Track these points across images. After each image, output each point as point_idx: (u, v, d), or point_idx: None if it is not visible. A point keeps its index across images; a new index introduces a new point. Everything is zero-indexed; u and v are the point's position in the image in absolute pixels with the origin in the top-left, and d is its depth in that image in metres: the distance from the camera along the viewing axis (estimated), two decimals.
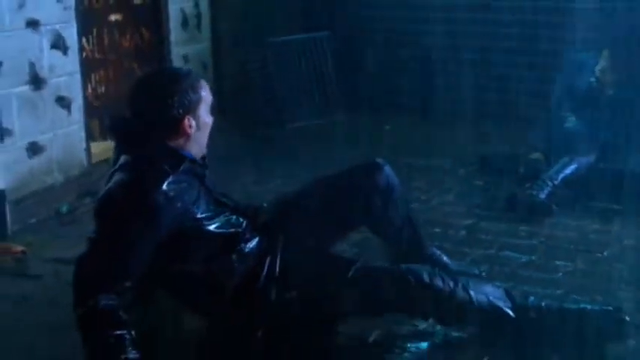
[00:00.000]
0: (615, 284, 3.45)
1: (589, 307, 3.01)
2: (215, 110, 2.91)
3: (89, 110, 4.84)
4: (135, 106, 2.82)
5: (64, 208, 4.45)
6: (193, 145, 2.84)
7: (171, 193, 2.67)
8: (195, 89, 2.80)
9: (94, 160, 4.85)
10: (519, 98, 5.95)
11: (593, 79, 4.92)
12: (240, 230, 2.93)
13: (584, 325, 2.89)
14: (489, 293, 2.94)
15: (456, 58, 6.23)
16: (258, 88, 6.14)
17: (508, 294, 2.98)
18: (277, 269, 2.93)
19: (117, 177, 2.73)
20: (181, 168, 2.74)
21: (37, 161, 4.41)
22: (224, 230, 2.87)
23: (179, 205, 2.70)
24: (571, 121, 4.82)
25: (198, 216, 2.80)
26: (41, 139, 4.43)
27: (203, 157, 2.92)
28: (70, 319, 2.94)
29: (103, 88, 5.07)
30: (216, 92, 3.49)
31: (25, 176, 4.33)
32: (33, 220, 4.28)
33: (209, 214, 2.84)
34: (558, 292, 3.38)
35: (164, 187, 2.66)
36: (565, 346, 2.87)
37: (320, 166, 4.32)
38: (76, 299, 2.63)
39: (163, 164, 2.71)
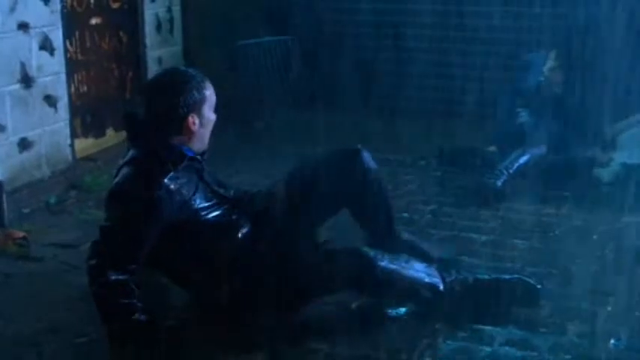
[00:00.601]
0: (566, 258, 3.77)
1: (504, 277, 3.26)
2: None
3: (72, 109, 5.02)
4: (146, 104, 3.09)
5: (53, 200, 4.65)
6: (197, 140, 3.11)
7: (172, 187, 2.93)
8: (200, 89, 3.07)
9: (77, 156, 5.07)
10: (472, 96, 6.19)
11: (542, 78, 5.21)
12: (234, 218, 3.18)
13: (499, 293, 3.17)
14: (424, 270, 3.17)
15: (413, 59, 6.47)
16: (228, 88, 6.36)
17: (439, 272, 3.20)
18: (262, 251, 3.15)
19: (124, 171, 2.99)
20: (182, 165, 2.98)
21: (26, 156, 4.61)
22: (220, 219, 3.12)
23: (178, 198, 2.96)
24: (523, 117, 5.09)
25: (196, 207, 3.06)
26: (31, 135, 4.63)
27: (203, 153, 3.16)
28: (75, 293, 3.28)
29: (85, 88, 5.24)
30: None
31: (16, 169, 4.52)
32: (26, 210, 4.46)
33: (207, 204, 3.10)
34: (517, 266, 3.67)
35: (165, 181, 2.91)
36: (483, 312, 3.15)
37: (287, 160, 4.46)
38: (90, 278, 2.90)
39: (166, 161, 2.96)
